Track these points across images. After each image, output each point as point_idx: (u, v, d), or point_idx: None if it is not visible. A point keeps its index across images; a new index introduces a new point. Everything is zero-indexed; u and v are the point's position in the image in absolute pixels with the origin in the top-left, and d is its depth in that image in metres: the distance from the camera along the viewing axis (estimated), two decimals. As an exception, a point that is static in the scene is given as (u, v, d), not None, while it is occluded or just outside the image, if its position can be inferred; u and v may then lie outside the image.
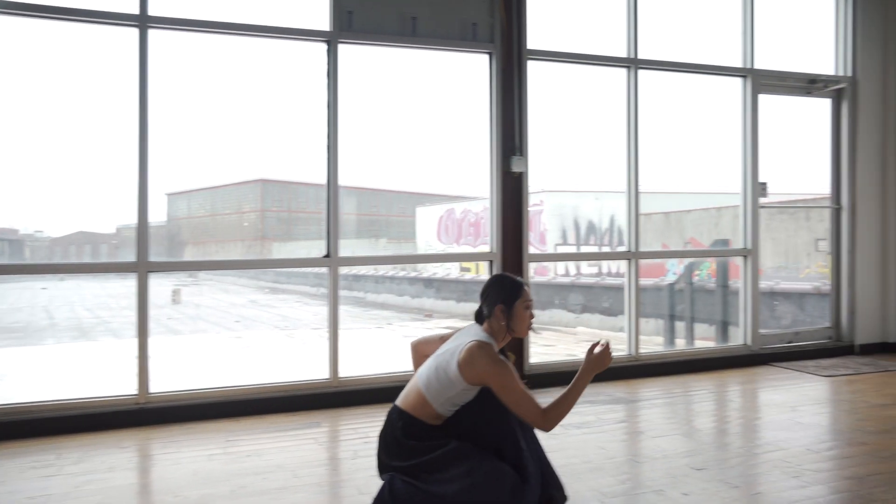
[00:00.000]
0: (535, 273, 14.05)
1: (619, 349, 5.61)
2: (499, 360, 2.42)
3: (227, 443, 3.77)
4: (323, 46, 4.60)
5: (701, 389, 4.88)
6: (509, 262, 5.00)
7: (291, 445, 3.70)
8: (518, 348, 5.01)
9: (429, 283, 16.29)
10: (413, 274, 17.37)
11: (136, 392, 4.24)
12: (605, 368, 2.54)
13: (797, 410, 4.21)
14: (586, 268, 16.14)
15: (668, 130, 6.27)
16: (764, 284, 8.99)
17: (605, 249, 16.98)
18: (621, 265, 14.81)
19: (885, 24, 6.06)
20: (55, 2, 4.07)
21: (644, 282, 10.59)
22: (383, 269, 17.81)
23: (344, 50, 4.62)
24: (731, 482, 2.99)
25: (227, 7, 4.47)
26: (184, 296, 19.27)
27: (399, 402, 2.56)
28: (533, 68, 5.07)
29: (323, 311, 16.01)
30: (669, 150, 6.36)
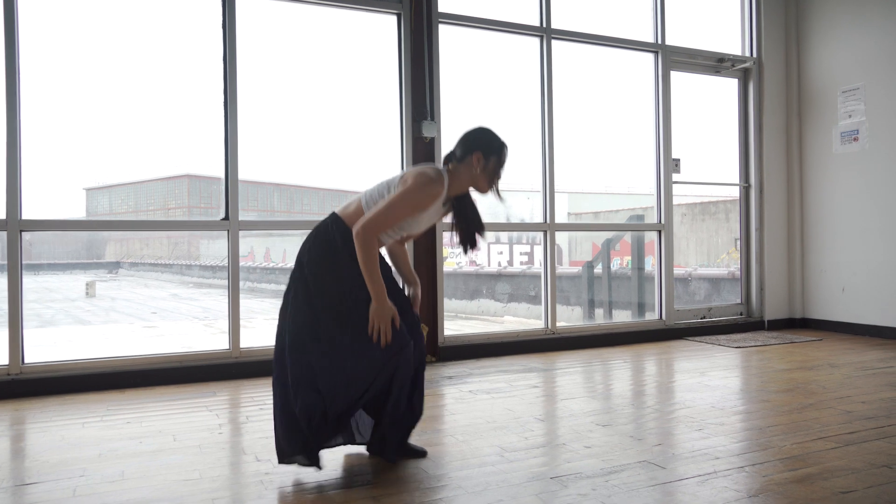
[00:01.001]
0: (468, 264, 13.97)
1: (536, 324, 5.55)
2: (427, 188, 2.32)
3: (107, 412, 3.47)
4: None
5: (615, 360, 4.84)
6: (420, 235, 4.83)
7: (179, 413, 3.43)
8: (433, 321, 4.86)
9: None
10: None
11: (6, 363, 3.88)
12: (381, 316, 2.37)
13: (706, 375, 4.20)
14: (516, 257, 16.21)
15: (585, 106, 6.25)
16: (682, 271, 9.17)
17: (538, 247, 17.15)
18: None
19: (787, 5, 6.22)
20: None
21: (570, 270, 10.66)
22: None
23: (240, 5, 4.37)
24: (634, 436, 2.91)
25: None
26: (99, 290, 18.34)
27: (338, 209, 2.47)
28: (445, 32, 4.94)
29: (249, 303, 15.37)
30: (586, 128, 6.33)
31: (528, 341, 5.19)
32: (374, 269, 2.31)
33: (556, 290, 5.32)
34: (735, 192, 6.41)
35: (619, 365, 4.67)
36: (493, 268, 12.95)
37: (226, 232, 4.37)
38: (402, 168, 4.83)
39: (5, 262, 3.99)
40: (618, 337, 5.51)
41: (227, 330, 4.40)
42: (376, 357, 2.34)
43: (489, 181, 2.48)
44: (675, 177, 5.79)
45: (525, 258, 17.54)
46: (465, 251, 2.56)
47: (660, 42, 5.74)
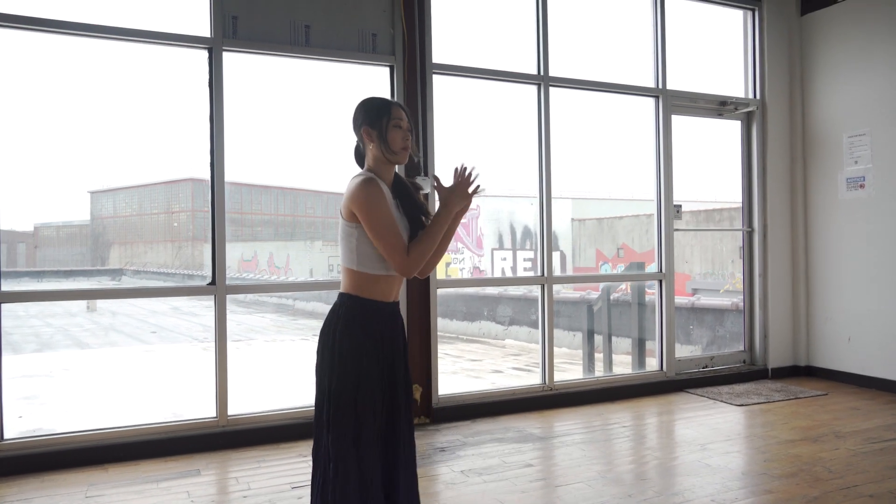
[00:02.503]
0: (472, 272, 13.79)
1: (534, 378, 5.41)
2: (367, 184, 2.12)
3: (85, 499, 3.35)
4: (204, 54, 4.21)
5: (615, 423, 4.70)
6: (414, 290, 4.71)
7: (159, 502, 3.31)
8: (426, 379, 4.73)
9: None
10: None
11: (-15, 440, 3.77)
12: (466, 201, 2.21)
13: (707, 449, 4.06)
14: (520, 263, 16.04)
15: (584, 149, 6.12)
16: (685, 300, 9.02)
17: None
18: (555, 270, 14.83)
19: (790, 49, 6.06)
20: None
21: (571, 295, 10.50)
22: (317, 275, 17.24)
23: (229, 58, 4.24)
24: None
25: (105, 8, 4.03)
26: (101, 301, 18.24)
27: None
28: (439, 82, 4.80)
29: (248, 319, 15.29)
30: (588, 162, 6.21)
31: (526, 399, 5.05)
32: (429, 240, 2.14)
33: (554, 339, 5.19)
34: (733, 199, 6.22)
35: (617, 432, 4.53)
36: (494, 290, 12.81)
37: (212, 297, 4.25)
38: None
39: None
40: (618, 391, 5.37)
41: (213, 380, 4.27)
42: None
43: (398, 145, 2.22)
44: (676, 223, 5.64)
45: (529, 265, 17.38)
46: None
47: (660, 87, 5.58)
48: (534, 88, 5.17)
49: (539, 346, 5.19)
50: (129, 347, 12.01)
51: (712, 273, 12.11)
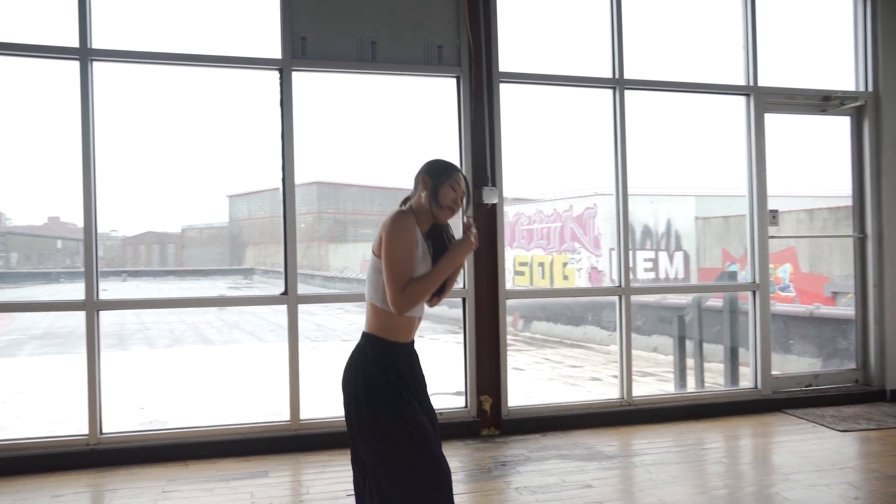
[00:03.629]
0: (590, 274, 13.48)
1: (612, 392, 5.24)
2: (400, 222, 2.20)
3: (161, 494, 3.63)
4: (275, 75, 4.41)
5: (693, 444, 4.44)
6: (483, 300, 4.70)
7: (224, 501, 3.52)
8: (496, 391, 4.70)
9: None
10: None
11: (87, 433, 4.17)
12: (470, 250, 2.29)
13: (789, 481, 3.73)
14: (640, 264, 15.48)
15: (666, 154, 5.81)
16: (803, 309, 8.32)
17: (662, 254, 16.35)
18: (678, 271, 14.10)
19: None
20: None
21: (677, 301, 9.97)
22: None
23: (298, 78, 4.43)
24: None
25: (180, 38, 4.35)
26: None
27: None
28: (506, 91, 4.74)
29: (321, 320, 15.80)
30: (668, 176, 5.90)
31: (602, 414, 4.88)
32: (427, 283, 2.20)
33: (632, 359, 4.97)
34: (841, 192, 5.65)
35: (693, 455, 4.27)
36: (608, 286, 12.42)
37: (285, 306, 4.46)
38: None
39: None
40: (705, 409, 5.06)
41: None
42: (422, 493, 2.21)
43: (441, 203, 2.28)
44: (771, 230, 5.23)
45: (650, 265, 16.74)
46: (439, 297, 2.37)
47: (751, 84, 5.19)
48: (608, 93, 4.98)
49: (618, 364, 5.00)
50: (248, 345, 12.81)
51: (843, 275, 11.10)
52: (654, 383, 7.86)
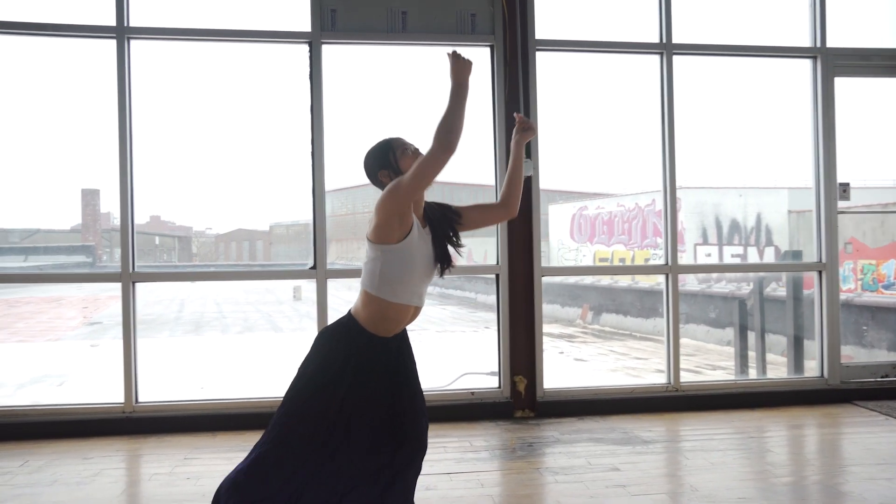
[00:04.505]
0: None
1: (658, 378, 4.92)
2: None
3: (183, 461, 3.67)
4: (304, 48, 4.39)
5: (743, 433, 4.10)
6: (518, 276, 4.51)
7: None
8: (531, 371, 4.51)
9: (549, 286, 15.36)
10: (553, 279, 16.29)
11: (122, 401, 4.28)
12: (467, 69, 2.18)
13: (847, 473, 3.36)
14: (727, 259, 14.80)
15: (718, 121, 5.41)
16: (891, 299, 7.63)
17: (752, 249, 15.62)
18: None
19: None
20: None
21: (721, 290, 9.33)
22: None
23: (328, 51, 4.38)
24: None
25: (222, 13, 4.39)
26: (307, 292, 20.12)
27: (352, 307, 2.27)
28: (543, 60, 4.53)
29: (433, 311, 15.79)
30: (722, 146, 5.50)
31: (645, 399, 4.60)
32: (448, 119, 2.06)
33: (680, 341, 4.66)
34: None
35: (741, 443, 3.93)
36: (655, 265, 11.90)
37: (314, 280, 4.44)
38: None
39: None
40: (763, 398, 4.68)
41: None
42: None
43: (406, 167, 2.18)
44: (841, 205, 4.77)
45: (737, 261, 15.98)
46: (443, 272, 2.24)
47: (818, 45, 4.74)
48: (655, 59, 4.67)
49: (664, 346, 4.70)
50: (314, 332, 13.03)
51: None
52: (725, 377, 7.43)
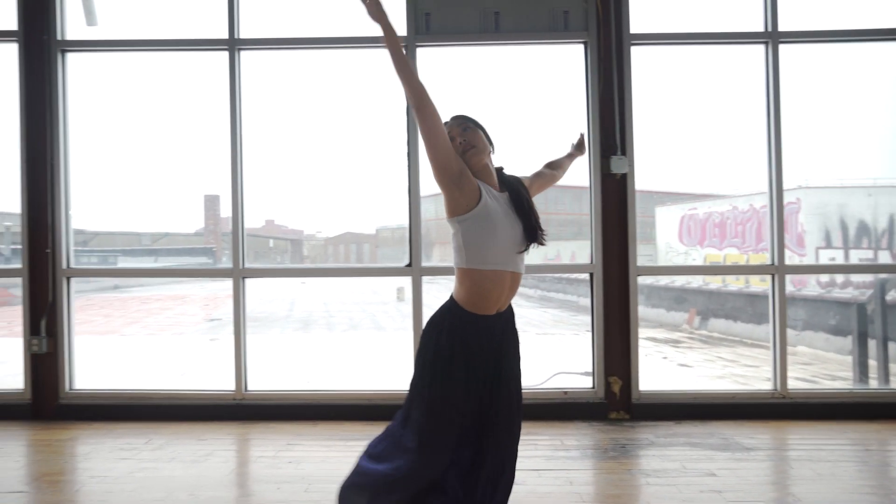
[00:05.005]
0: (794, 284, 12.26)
1: (764, 384, 4.69)
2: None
3: (286, 446, 3.88)
4: (403, 52, 4.52)
5: (858, 445, 3.83)
6: (612, 275, 4.44)
7: (338, 456, 3.68)
8: (626, 373, 4.43)
9: (654, 289, 14.88)
10: (658, 282, 15.83)
11: (233, 389, 4.58)
12: (374, 7, 2.26)
13: (971, 487, 3.09)
14: (824, 278, 13.81)
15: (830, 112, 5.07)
16: None
17: (884, 253, 14.53)
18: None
19: None
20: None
21: (842, 294, 8.61)
22: None
23: (421, 53, 4.50)
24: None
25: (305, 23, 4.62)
26: (407, 293, 20.55)
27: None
28: (638, 55, 4.44)
29: (531, 314, 15.72)
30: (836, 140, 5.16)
31: (748, 405, 4.40)
32: (392, 56, 2.17)
33: (787, 344, 4.42)
34: None
35: (853, 455, 3.68)
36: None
37: (409, 277, 4.57)
38: (591, 207, 4.49)
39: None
40: (880, 409, 4.36)
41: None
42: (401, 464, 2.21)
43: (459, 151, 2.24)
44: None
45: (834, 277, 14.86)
46: (532, 240, 2.24)
47: (948, 25, 4.37)
48: (759, 48, 4.47)
49: (785, 342, 4.47)
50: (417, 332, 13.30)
51: None
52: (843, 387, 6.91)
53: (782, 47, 4.42)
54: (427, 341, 2.23)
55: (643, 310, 14.93)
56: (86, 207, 4.85)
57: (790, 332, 10.79)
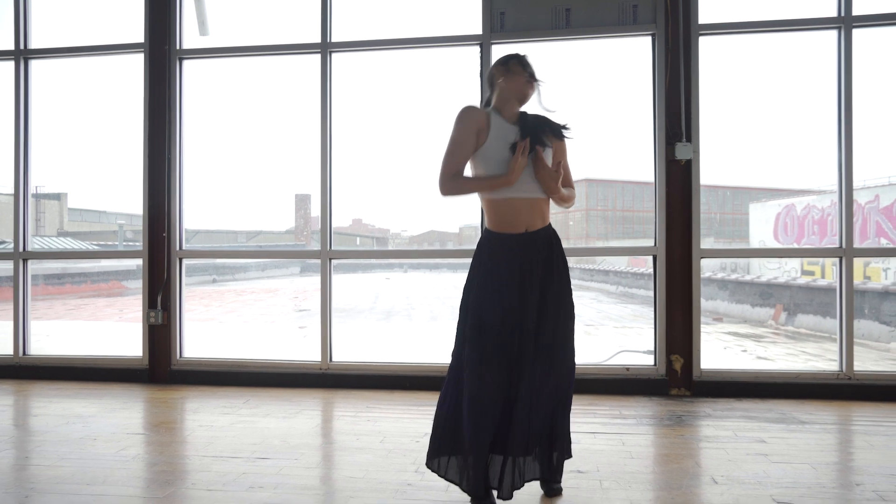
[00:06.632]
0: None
1: (830, 365, 4.73)
2: (462, 111, 2.55)
3: (365, 408, 4.30)
4: (476, 49, 4.85)
5: (919, 422, 3.86)
6: (676, 258, 4.61)
7: (406, 418, 4.05)
8: (688, 351, 4.59)
9: (739, 285, 14.57)
10: (743, 277, 15.52)
11: (320, 360, 5.05)
12: (507, 184, 2.50)
13: None
14: None
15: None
16: None
17: None
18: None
19: None
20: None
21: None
22: (708, 271, 16.67)
23: (496, 50, 4.81)
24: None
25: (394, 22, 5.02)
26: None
27: None
28: (705, 44, 4.58)
29: (613, 309, 15.70)
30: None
31: (813, 385, 4.47)
32: (464, 185, 2.52)
33: (854, 327, 4.45)
34: None
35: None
36: (878, 284, 10.81)
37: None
38: (655, 192, 4.68)
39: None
40: (953, 392, 4.33)
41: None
42: (453, 367, 2.56)
43: (520, 77, 2.58)
44: None
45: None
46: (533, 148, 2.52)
47: None
48: (832, 34, 4.52)
49: (852, 323, 4.51)
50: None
51: None
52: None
53: (856, 31, 4.46)
54: (472, 261, 2.59)
55: (726, 305, 14.65)
56: (190, 206, 5.43)
57: (882, 329, 10.39)
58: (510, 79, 2.58)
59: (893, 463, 3.14)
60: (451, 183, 2.51)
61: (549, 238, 2.57)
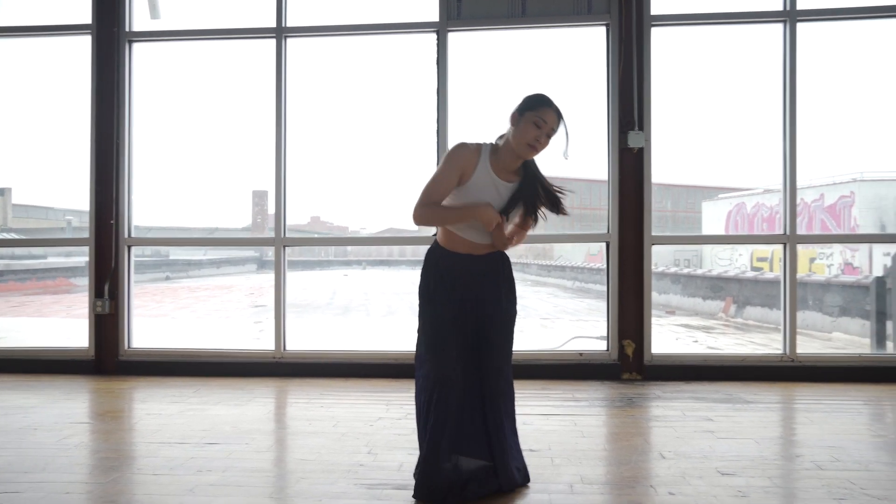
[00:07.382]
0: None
1: (776, 348, 4.89)
2: (452, 150, 2.49)
3: (319, 395, 4.25)
4: (433, 37, 4.85)
5: (855, 400, 4.01)
6: (627, 244, 4.69)
7: (365, 403, 4.03)
8: (639, 336, 4.68)
9: (691, 279, 14.88)
10: (692, 270, 15.73)
11: (273, 349, 4.98)
12: (487, 222, 2.45)
13: (958, 435, 3.27)
14: (859, 262, 13.63)
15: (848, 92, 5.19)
16: None
17: None
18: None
19: None
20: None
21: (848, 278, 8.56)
22: (662, 266, 16.96)
23: (453, 38, 4.82)
24: (739, 489, 2.54)
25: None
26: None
27: None
28: (657, 35, 4.67)
29: (578, 305, 15.85)
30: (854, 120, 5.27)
31: (759, 367, 4.61)
32: (443, 214, 2.48)
33: (797, 310, 4.60)
34: None
35: (852, 409, 3.87)
36: (820, 277, 11.20)
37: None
38: (609, 180, 4.75)
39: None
40: (889, 372, 4.51)
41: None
42: (419, 377, 2.55)
43: (526, 137, 2.38)
44: None
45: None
46: (534, 220, 2.53)
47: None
48: (777, 27, 4.66)
49: (795, 308, 4.65)
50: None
51: None
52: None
53: (801, 25, 4.60)
54: (421, 271, 2.63)
55: (679, 299, 14.97)
56: (141, 200, 5.29)
57: (825, 320, 10.76)
58: (519, 130, 2.42)
59: (831, 436, 3.25)
60: (423, 210, 2.48)
61: (494, 257, 2.61)
